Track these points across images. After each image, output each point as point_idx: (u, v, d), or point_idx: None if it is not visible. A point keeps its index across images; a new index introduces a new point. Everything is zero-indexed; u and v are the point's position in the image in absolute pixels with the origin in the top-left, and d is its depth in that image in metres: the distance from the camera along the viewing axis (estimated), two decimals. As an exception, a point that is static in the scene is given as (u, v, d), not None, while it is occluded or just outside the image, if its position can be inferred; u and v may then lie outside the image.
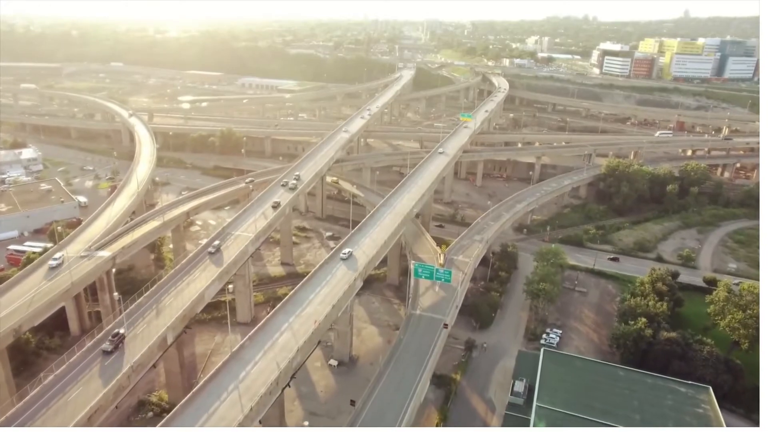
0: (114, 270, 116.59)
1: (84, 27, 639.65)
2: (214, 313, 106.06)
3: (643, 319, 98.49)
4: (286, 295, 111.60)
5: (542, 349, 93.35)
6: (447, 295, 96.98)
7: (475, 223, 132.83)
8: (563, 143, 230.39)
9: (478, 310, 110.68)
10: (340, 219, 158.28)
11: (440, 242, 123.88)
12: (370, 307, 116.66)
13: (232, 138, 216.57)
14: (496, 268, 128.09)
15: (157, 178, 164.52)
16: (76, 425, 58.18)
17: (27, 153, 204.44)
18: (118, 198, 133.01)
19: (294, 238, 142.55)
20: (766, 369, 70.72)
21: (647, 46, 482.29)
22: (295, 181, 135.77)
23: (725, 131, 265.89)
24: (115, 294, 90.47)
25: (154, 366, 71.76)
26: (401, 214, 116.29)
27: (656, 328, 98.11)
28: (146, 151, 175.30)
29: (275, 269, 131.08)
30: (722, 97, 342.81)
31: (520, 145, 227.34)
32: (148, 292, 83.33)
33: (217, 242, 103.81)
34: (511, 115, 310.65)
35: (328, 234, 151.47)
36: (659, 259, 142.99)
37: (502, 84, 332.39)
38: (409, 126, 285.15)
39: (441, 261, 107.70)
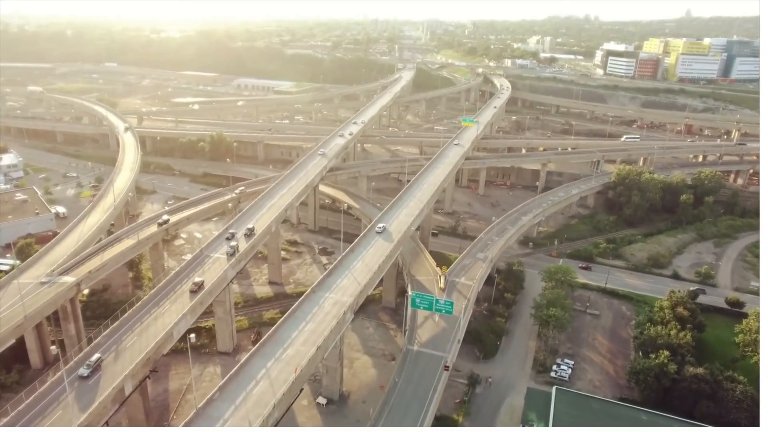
0: (86, 291, 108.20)
1: (79, 26, 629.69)
2: (193, 341, 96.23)
3: (666, 352, 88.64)
4: (272, 319, 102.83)
5: (554, 388, 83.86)
6: (448, 325, 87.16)
7: (478, 238, 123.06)
8: (569, 149, 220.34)
9: (482, 339, 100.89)
10: (334, 231, 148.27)
11: (440, 260, 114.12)
12: (364, 333, 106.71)
13: (223, 143, 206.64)
14: (501, 288, 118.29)
15: (130, 194, 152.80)
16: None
17: (7, 159, 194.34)
18: (94, 211, 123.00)
19: (283, 254, 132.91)
20: (765, 369, 69.39)
21: (652, 47, 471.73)
22: (235, 244, 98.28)
23: (735, 134, 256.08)
24: (53, 348, 79.41)
25: (106, 423, 61.74)
26: (398, 232, 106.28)
27: (680, 361, 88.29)
28: (129, 158, 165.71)
29: (262, 289, 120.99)
30: (729, 99, 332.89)
31: (524, 151, 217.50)
32: (108, 330, 73.20)
33: (97, 355, 67.38)
34: (514, 117, 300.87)
35: (320, 247, 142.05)
36: (675, 276, 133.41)
37: (504, 85, 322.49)
38: (409, 129, 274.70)
39: (441, 285, 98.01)
